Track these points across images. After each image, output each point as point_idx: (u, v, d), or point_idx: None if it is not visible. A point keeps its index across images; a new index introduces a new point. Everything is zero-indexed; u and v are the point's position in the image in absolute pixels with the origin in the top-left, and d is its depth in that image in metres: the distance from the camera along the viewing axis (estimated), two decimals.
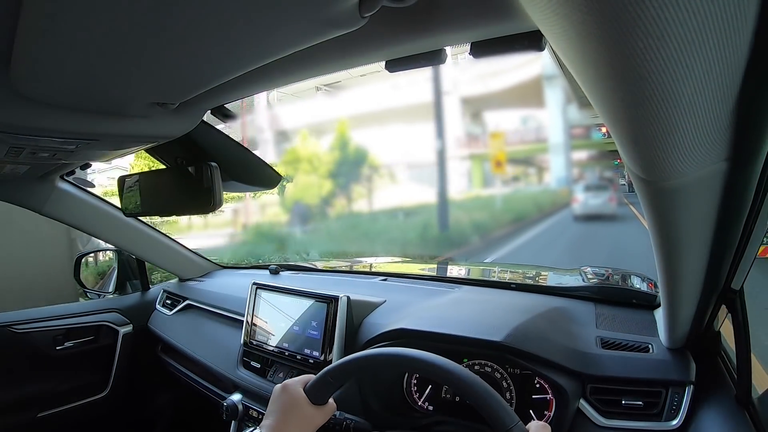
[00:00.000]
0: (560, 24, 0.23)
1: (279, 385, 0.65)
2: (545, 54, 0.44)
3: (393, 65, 0.51)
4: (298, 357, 1.00)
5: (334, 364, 0.66)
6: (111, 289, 1.55)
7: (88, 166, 1.10)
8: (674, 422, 0.68)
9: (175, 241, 1.54)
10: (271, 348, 1.06)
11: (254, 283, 1.15)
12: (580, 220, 9.48)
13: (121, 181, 0.98)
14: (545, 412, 0.78)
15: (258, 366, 1.09)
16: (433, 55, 0.49)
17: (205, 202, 0.83)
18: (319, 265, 1.65)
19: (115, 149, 0.82)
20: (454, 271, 1.56)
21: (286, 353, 1.03)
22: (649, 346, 0.77)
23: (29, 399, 1.27)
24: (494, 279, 1.35)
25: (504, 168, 12.09)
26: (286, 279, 1.42)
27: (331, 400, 0.66)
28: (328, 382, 0.64)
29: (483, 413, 0.58)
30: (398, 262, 1.98)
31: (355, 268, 1.64)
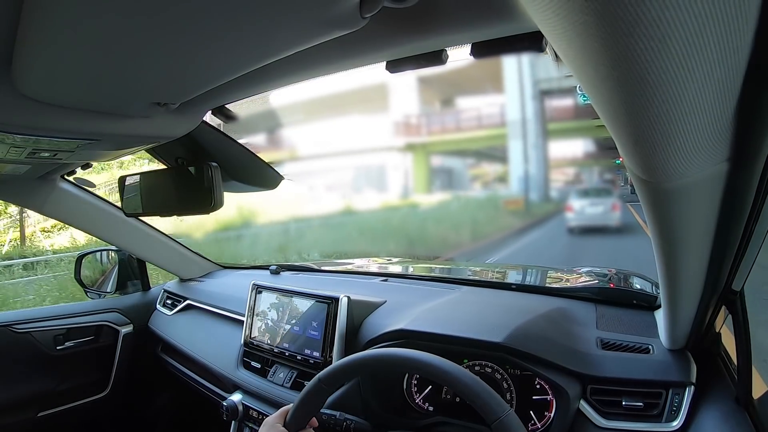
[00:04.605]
0: (561, 25, 0.23)
1: (262, 424, 0.71)
2: None
3: (394, 66, 0.51)
4: (299, 357, 1.00)
5: (323, 372, 0.69)
6: (111, 288, 1.55)
7: (89, 166, 1.10)
8: (675, 423, 0.68)
9: (175, 240, 1.54)
10: (272, 348, 1.06)
11: (254, 284, 1.15)
12: (575, 234, 7.60)
13: (122, 180, 0.98)
14: (545, 413, 0.78)
15: (258, 366, 1.09)
16: (434, 56, 0.49)
17: (205, 202, 0.83)
18: (320, 265, 1.65)
19: (116, 149, 0.83)
20: (455, 271, 1.56)
21: (287, 353, 1.03)
22: (650, 347, 0.77)
23: (29, 399, 1.27)
24: (494, 280, 1.34)
25: None
26: (287, 279, 1.42)
27: (312, 420, 0.72)
28: (304, 410, 0.69)
29: (473, 404, 0.59)
30: (398, 262, 1.98)
31: (356, 268, 1.64)
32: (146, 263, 1.57)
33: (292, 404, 0.71)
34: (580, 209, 7.69)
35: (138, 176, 0.97)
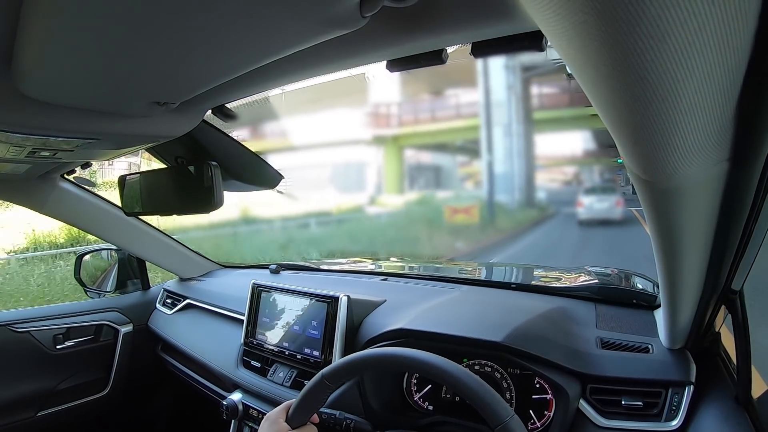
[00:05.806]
0: (561, 24, 0.23)
1: (264, 419, 0.71)
2: None
3: (394, 65, 0.51)
4: (298, 356, 1.00)
5: (326, 369, 0.69)
6: (111, 288, 1.55)
7: (89, 165, 1.10)
8: (674, 422, 0.68)
9: (175, 240, 1.54)
10: (271, 347, 1.06)
11: (254, 283, 1.15)
12: (584, 226, 8.42)
13: (122, 180, 0.98)
14: (545, 412, 0.78)
15: (258, 365, 1.09)
16: (434, 55, 0.49)
17: (205, 202, 0.83)
18: (320, 264, 1.65)
19: (115, 148, 0.83)
20: (454, 270, 1.56)
21: (286, 353, 1.03)
22: (649, 346, 0.77)
23: (29, 398, 1.27)
24: (494, 279, 1.34)
25: None
26: (287, 278, 1.42)
27: (313, 417, 0.72)
28: (306, 406, 0.69)
29: (478, 408, 0.59)
30: (398, 262, 1.98)
31: (356, 267, 1.64)
32: (146, 262, 1.57)
33: (294, 399, 0.71)
34: (589, 205, 8.78)
35: (138, 175, 0.97)
